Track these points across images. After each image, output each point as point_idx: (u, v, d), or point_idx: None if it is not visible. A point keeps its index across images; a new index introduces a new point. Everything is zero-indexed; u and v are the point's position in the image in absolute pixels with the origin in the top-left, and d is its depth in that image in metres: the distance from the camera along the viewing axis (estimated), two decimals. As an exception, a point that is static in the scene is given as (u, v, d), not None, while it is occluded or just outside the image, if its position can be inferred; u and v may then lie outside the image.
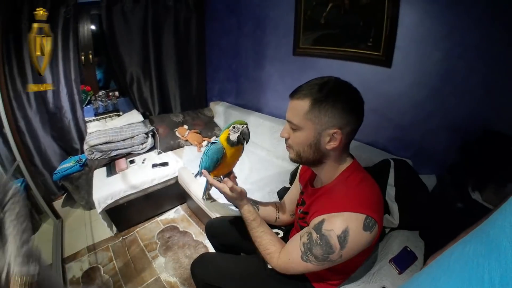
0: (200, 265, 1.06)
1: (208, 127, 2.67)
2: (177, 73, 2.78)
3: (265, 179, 1.87)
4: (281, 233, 1.17)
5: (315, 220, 0.75)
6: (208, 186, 1.22)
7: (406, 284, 0.52)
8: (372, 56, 1.55)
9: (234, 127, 0.92)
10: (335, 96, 0.71)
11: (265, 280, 0.96)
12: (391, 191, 1.35)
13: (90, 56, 2.51)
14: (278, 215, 1.13)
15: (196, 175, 1.06)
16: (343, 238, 0.68)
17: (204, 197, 1.30)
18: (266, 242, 0.88)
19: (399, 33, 1.43)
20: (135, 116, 2.52)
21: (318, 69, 1.87)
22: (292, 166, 1.87)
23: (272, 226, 1.04)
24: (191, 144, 2.48)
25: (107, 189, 1.87)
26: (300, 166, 1.10)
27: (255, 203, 1.10)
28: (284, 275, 0.86)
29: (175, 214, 2.24)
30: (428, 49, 1.36)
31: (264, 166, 2.05)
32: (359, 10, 1.54)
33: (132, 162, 2.23)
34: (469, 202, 1.06)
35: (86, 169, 2.20)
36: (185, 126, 2.55)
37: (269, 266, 0.93)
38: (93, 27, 2.51)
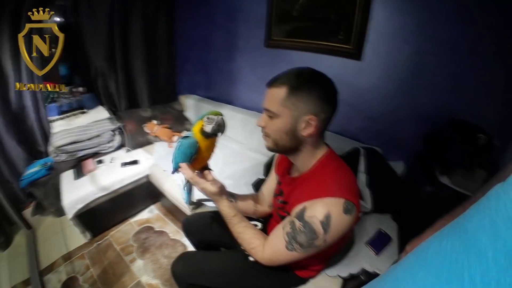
0: (180, 266, 1.02)
1: (178, 122, 2.59)
2: (145, 65, 2.62)
3: (239, 172, 1.86)
4: (259, 225, 1.16)
5: (296, 209, 0.77)
6: (191, 188, 1.08)
7: (383, 277, 0.52)
8: (343, 49, 1.58)
9: (208, 118, 0.88)
10: (311, 84, 0.74)
11: (248, 273, 0.97)
12: (362, 177, 1.41)
13: (53, 50, 2.31)
14: (256, 207, 1.13)
15: (173, 172, 1.00)
16: (326, 223, 0.70)
17: (188, 203, 1.13)
18: (249, 236, 0.88)
19: (370, 27, 1.46)
20: (101, 113, 2.36)
21: (290, 61, 1.88)
22: (265, 158, 1.88)
23: (250, 219, 1.03)
24: (161, 140, 2.39)
25: (76, 193, 1.76)
26: (276, 156, 1.11)
27: (232, 197, 1.07)
28: (266, 266, 0.86)
29: (149, 214, 2.17)
30: (398, 44, 1.41)
31: (237, 159, 2.03)
32: (331, 3, 1.56)
33: (100, 162, 2.10)
34: (438, 186, 1.13)
35: (53, 173, 2.04)
36: (154, 121, 2.44)
37: (251, 259, 0.92)
38: (57, 19, 2.29)
